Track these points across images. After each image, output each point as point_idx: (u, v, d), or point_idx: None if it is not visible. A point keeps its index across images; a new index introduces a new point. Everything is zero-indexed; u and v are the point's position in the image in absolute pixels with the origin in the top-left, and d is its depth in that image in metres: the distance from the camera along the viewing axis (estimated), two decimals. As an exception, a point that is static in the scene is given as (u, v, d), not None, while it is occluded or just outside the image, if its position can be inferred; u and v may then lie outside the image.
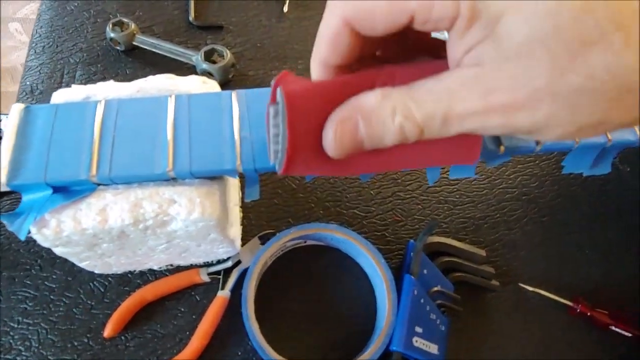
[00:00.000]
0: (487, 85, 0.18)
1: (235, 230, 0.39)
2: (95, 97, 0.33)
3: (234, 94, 0.32)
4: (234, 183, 0.39)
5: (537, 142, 0.32)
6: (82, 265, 0.37)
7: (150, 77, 0.35)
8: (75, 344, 0.39)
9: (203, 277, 0.41)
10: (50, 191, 0.29)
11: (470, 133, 0.20)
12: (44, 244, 0.31)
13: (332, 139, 0.21)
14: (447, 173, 0.34)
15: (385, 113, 0.20)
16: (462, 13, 0.18)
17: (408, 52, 0.24)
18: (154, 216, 0.30)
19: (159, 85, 0.34)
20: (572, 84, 0.17)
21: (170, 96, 0.32)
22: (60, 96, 0.34)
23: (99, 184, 0.30)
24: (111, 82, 0.34)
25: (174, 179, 0.30)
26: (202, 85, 0.35)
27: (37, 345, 0.39)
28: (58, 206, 0.29)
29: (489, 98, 0.18)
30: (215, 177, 0.32)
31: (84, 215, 0.30)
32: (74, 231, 0.30)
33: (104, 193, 0.30)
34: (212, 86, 0.36)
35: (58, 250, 0.33)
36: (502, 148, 0.32)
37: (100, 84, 0.34)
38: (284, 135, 0.22)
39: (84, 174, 0.29)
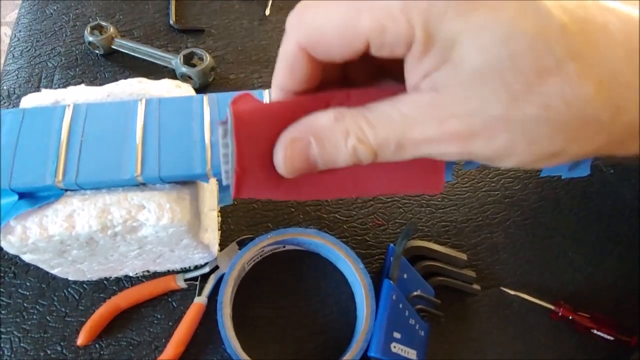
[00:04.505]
0: (442, 112, 0.18)
1: (211, 236, 0.38)
2: (65, 102, 0.33)
3: (205, 98, 0.32)
4: (209, 188, 0.38)
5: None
6: (54, 272, 0.36)
7: (122, 81, 0.34)
8: (49, 352, 0.38)
9: (180, 283, 0.40)
10: (15, 197, 0.29)
11: (427, 158, 0.19)
12: (11, 251, 0.30)
13: (282, 158, 0.21)
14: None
15: (338, 135, 0.19)
16: (417, 37, 0.17)
17: (375, 78, 0.23)
18: (123, 222, 0.29)
19: (130, 89, 0.34)
20: (528, 114, 0.17)
21: (141, 100, 0.31)
22: (29, 100, 0.33)
23: (65, 190, 0.29)
24: (82, 86, 0.34)
25: (143, 184, 0.30)
26: (175, 89, 0.35)
27: (9, 354, 0.38)
28: (24, 212, 0.29)
29: (445, 125, 0.18)
30: (186, 182, 0.32)
31: (51, 221, 0.29)
32: (40, 238, 0.29)
33: (71, 199, 0.29)
34: (186, 90, 0.35)
35: (27, 257, 0.32)
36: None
37: (70, 88, 0.34)
38: (232, 155, 0.21)
39: (50, 180, 0.28)
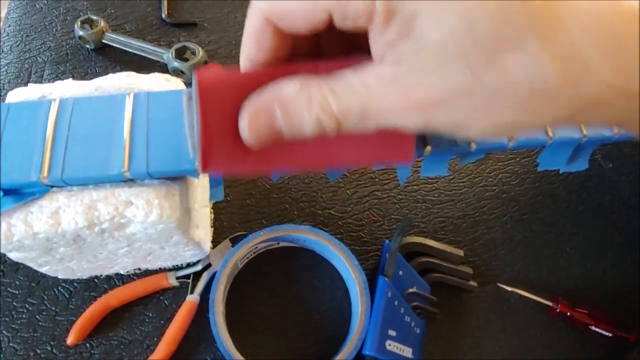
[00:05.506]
0: (405, 84, 0.18)
1: (202, 233, 0.37)
2: (51, 96, 0.32)
3: (194, 91, 0.31)
4: (201, 184, 0.37)
5: (510, 139, 0.32)
6: (43, 270, 0.35)
7: (110, 75, 0.33)
8: (38, 351, 0.38)
9: (171, 281, 0.39)
10: (0, 194, 0.28)
11: (390, 129, 0.20)
12: (-4, 249, 0.30)
13: (248, 127, 0.20)
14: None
15: (303, 103, 0.19)
16: (377, 9, 0.17)
17: (348, 52, 0.23)
18: (110, 219, 0.29)
19: (119, 83, 0.33)
20: (487, 85, 0.17)
21: (129, 94, 0.31)
22: (15, 95, 0.33)
23: (51, 186, 0.29)
24: (69, 80, 0.33)
25: (131, 180, 0.29)
26: (164, 83, 0.34)
27: (-2, 353, 0.37)
28: (9, 209, 0.28)
29: (407, 96, 0.18)
30: (176, 178, 0.31)
31: (36, 218, 0.28)
32: (26, 235, 0.28)
33: (57, 195, 0.29)
34: (176, 84, 0.34)
35: (13, 255, 0.31)
36: (472, 145, 0.31)
37: (57, 82, 0.33)
38: (197, 123, 0.21)
39: (35, 176, 0.28)
